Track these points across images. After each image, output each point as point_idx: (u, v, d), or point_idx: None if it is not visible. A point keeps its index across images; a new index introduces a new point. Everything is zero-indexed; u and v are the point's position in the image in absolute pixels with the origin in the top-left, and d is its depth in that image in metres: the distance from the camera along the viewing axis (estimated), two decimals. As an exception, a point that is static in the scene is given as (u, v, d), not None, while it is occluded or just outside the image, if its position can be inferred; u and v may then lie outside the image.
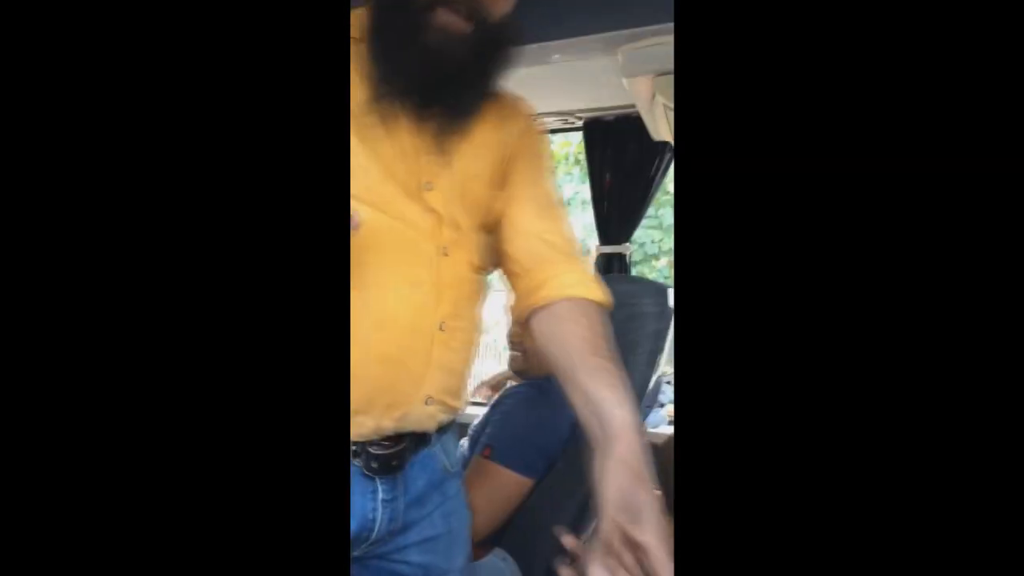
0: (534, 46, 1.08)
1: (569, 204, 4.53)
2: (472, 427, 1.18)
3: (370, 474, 0.67)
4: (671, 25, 0.90)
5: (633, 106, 1.43)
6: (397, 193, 0.64)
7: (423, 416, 0.68)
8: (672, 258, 3.81)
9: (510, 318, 0.95)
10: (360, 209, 0.57)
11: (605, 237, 1.81)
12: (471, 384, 1.51)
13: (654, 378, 1.25)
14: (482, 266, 0.72)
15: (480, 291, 0.73)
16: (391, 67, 0.62)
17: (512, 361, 1.28)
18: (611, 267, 1.80)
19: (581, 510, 1.03)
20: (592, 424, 0.57)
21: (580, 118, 1.74)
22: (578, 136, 1.82)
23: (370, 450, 0.66)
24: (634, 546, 0.49)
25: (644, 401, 1.25)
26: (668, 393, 1.67)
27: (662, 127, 1.38)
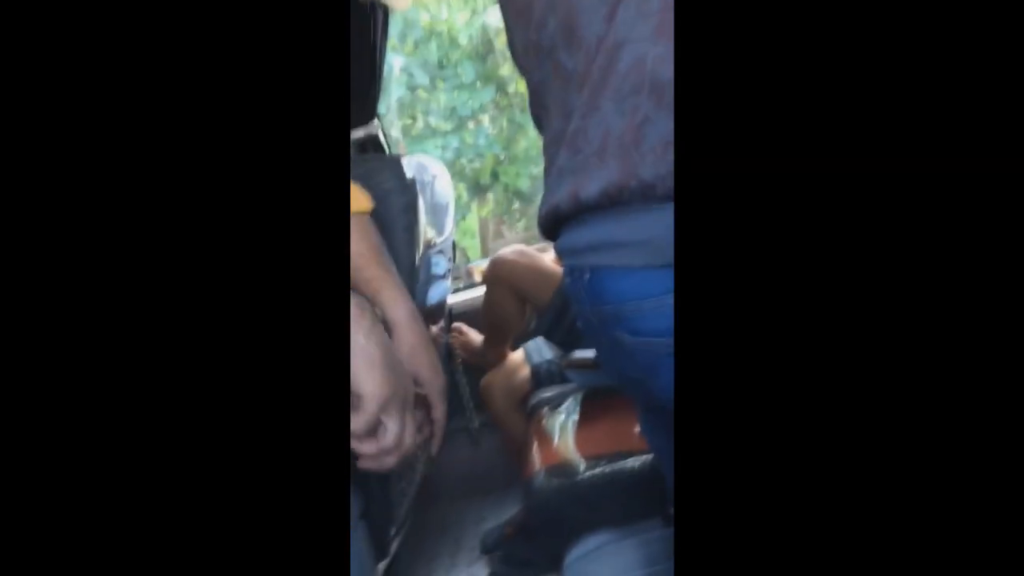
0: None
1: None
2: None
3: None
4: None
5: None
6: None
7: None
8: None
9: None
10: None
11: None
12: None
13: (419, 254, 1.24)
14: None
15: None
16: None
17: None
18: (366, 150, 1.72)
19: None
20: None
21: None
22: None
23: None
24: (420, 399, 0.66)
25: (419, 277, 1.25)
26: (441, 264, 1.68)
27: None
